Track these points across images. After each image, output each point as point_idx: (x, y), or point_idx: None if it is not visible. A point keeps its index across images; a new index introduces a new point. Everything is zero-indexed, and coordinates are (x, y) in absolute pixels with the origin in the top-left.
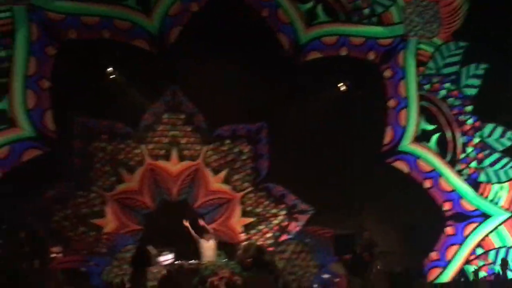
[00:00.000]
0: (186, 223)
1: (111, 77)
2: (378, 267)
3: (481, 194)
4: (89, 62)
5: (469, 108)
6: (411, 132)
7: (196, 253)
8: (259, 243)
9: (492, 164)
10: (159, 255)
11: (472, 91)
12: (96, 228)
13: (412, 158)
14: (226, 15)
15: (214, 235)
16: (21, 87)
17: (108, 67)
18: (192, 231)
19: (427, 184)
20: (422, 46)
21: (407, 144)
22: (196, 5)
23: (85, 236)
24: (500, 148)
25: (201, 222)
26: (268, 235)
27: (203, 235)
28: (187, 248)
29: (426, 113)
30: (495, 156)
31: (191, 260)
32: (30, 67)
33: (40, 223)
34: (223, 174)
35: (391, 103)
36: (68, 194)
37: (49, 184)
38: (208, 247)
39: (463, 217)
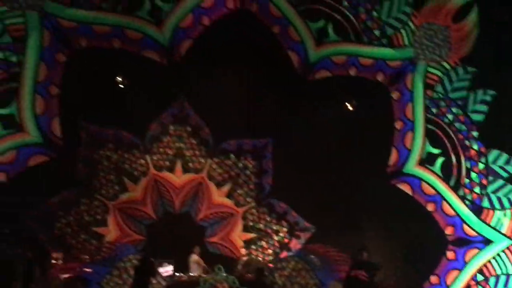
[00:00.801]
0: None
1: (119, 86)
2: None
3: (484, 220)
4: (99, 71)
5: (475, 133)
6: (416, 154)
7: None
8: (259, 259)
9: (496, 191)
10: (159, 266)
11: (478, 117)
12: (97, 237)
13: (416, 181)
14: (237, 30)
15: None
16: (31, 92)
17: (117, 77)
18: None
19: (430, 207)
20: (431, 69)
21: (412, 167)
22: (208, 19)
23: (86, 244)
24: (505, 175)
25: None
26: (269, 251)
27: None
28: (187, 260)
29: (432, 137)
30: (499, 182)
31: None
32: (40, 73)
33: (43, 228)
34: (226, 188)
35: (398, 124)
36: (72, 201)
37: (53, 190)
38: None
39: (465, 242)
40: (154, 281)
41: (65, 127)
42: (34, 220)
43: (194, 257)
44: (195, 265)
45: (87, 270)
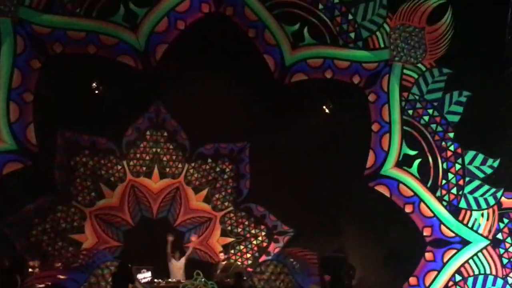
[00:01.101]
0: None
1: (95, 92)
2: None
3: (461, 221)
4: (74, 77)
5: (451, 134)
6: (393, 156)
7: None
8: (238, 263)
9: (473, 191)
10: (138, 272)
11: (454, 118)
12: (74, 244)
13: (394, 183)
14: (213, 34)
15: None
16: (4, 99)
17: (93, 82)
18: (169, 248)
19: (408, 209)
20: (406, 71)
21: (389, 169)
22: (183, 23)
23: (63, 251)
24: (481, 175)
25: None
26: (248, 255)
27: (174, 254)
28: (166, 266)
29: (408, 138)
30: (476, 183)
31: (169, 278)
32: (14, 79)
33: (18, 236)
34: (204, 192)
35: (375, 127)
36: (48, 208)
37: (29, 197)
38: (178, 266)
39: (443, 243)
40: None
41: (40, 133)
42: (10, 227)
43: (176, 263)
44: (179, 271)
45: (65, 277)
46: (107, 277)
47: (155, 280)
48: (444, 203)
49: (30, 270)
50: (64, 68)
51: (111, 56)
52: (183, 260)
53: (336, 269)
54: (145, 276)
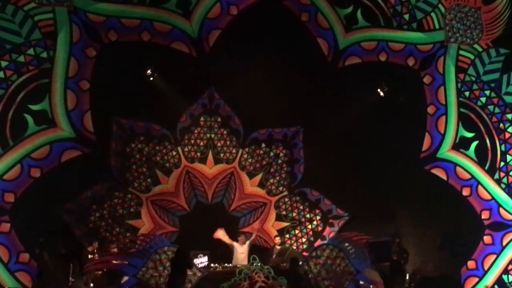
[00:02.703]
0: (221, 231)
1: (150, 79)
2: (418, 276)
3: None
4: (128, 64)
5: (509, 115)
6: (450, 139)
7: (230, 256)
8: (293, 247)
9: None
10: (194, 257)
11: None
12: (131, 229)
13: (451, 166)
14: (266, 19)
15: (248, 237)
16: (62, 88)
17: (147, 69)
18: (227, 237)
19: (466, 192)
20: (462, 52)
21: (446, 151)
22: (236, 8)
23: (121, 236)
24: None
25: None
26: (303, 240)
27: (237, 239)
28: (222, 251)
29: (465, 120)
30: None
31: (225, 263)
32: (71, 68)
33: (77, 223)
34: (258, 177)
35: (430, 109)
36: (105, 194)
37: (86, 184)
38: (241, 251)
39: (502, 226)
40: (189, 273)
41: (97, 121)
42: (69, 214)
43: (240, 247)
44: (242, 255)
45: (122, 262)
46: (165, 262)
47: (212, 265)
48: (503, 186)
49: (88, 255)
50: (119, 56)
51: (165, 43)
52: (246, 245)
53: (386, 254)
54: (201, 261)
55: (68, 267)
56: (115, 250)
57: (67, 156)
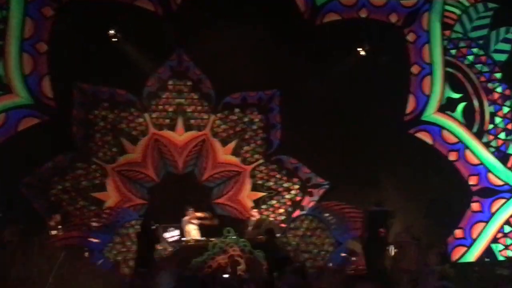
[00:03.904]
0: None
1: (113, 40)
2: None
3: (510, 168)
4: (90, 24)
5: (498, 75)
6: (435, 100)
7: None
8: (270, 219)
9: None
10: (165, 231)
11: (501, 57)
12: (97, 202)
13: (436, 129)
14: None
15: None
16: (17, 50)
17: (110, 30)
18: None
19: (452, 156)
20: (448, 7)
21: (431, 114)
22: None
23: (85, 210)
24: None
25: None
26: (281, 210)
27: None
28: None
29: (451, 80)
30: None
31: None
32: (26, 29)
33: (37, 196)
34: (232, 145)
35: (414, 69)
36: (67, 165)
37: (47, 155)
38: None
39: (491, 192)
40: (160, 247)
41: (56, 86)
42: (28, 187)
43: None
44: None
45: (88, 238)
46: (133, 236)
47: (183, 238)
48: (492, 149)
49: (51, 231)
50: (79, 15)
51: (129, 1)
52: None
53: (379, 223)
54: (172, 234)
55: (29, 244)
56: (79, 224)
57: (25, 125)
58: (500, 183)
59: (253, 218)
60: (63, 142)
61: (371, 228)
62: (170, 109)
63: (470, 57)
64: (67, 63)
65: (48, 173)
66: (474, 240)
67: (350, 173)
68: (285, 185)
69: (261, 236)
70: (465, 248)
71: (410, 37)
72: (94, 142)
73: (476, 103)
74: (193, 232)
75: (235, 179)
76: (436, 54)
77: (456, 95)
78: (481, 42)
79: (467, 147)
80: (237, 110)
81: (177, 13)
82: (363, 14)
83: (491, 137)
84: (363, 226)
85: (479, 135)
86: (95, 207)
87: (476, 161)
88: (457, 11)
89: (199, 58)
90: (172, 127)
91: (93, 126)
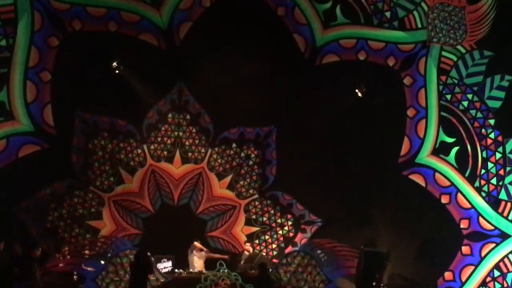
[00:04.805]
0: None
1: (115, 72)
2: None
3: (501, 213)
4: (93, 55)
5: (491, 121)
6: (429, 143)
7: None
8: (263, 253)
9: None
10: (158, 262)
11: (495, 104)
12: (92, 230)
13: (430, 172)
14: (240, 12)
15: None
16: (21, 78)
17: (113, 61)
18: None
19: (444, 199)
20: (445, 53)
21: (425, 157)
22: (209, 0)
23: (80, 238)
24: None
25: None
26: (273, 245)
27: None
28: (187, 256)
29: (446, 125)
30: None
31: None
32: (31, 58)
33: (34, 222)
34: (228, 179)
35: (410, 112)
36: (65, 193)
37: (45, 182)
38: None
39: (481, 236)
40: (152, 278)
41: (58, 115)
42: (25, 213)
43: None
44: (197, 255)
45: (82, 266)
46: (126, 266)
47: (176, 270)
48: (483, 194)
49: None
50: (84, 47)
51: (133, 34)
52: (203, 253)
53: (374, 264)
54: (165, 265)
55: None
56: (74, 252)
57: (25, 151)
58: (491, 227)
59: (246, 252)
60: (62, 170)
61: (365, 268)
62: (169, 142)
63: (465, 103)
64: (70, 92)
65: (46, 199)
66: (463, 283)
67: (343, 211)
68: (279, 221)
69: (252, 271)
70: None
71: (407, 80)
72: (92, 171)
73: (469, 148)
74: (197, 263)
75: (229, 213)
76: (431, 98)
77: (450, 140)
78: (476, 88)
79: (459, 191)
80: (234, 145)
81: (179, 48)
82: (361, 56)
83: (483, 182)
84: (358, 265)
85: (471, 179)
86: (90, 235)
87: (467, 205)
88: (454, 58)
89: (199, 93)
90: (169, 159)
91: (92, 155)
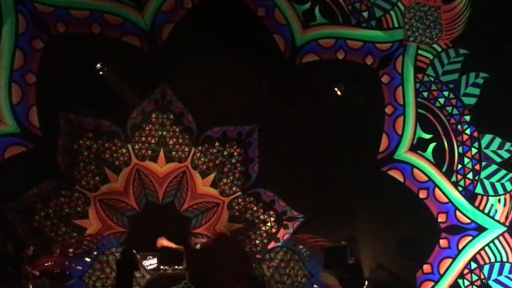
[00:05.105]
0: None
1: (99, 73)
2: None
3: (477, 207)
4: (77, 57)
5: (467, 117)
6: (407, 140)
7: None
8: (246, 249)
9: (489, 176)
10: (143, 259)
11: (471, 100)
12: (78, 229)
13: (408, 167)
14: (221, 13)
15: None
16: (6, 81)
17: (97, 63)
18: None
19: (422, 194)
20: (421, 52)
21: (403, 153)
22: (190, 1)
23: (67, 237)
24: (498, 160)
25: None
26: (256, 242)
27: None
28: (172, 253)
29: (423, 121)
30: (493, 168)
31: (176, 265)
32: (16, 60)
33: (21, 222)
34: (211, 177)
35: (388, 109)
36: (51, 193)
37: (31, 182)
38: None
39: (458, 230)
40: (138, 275)
41: (43, 116)
42: (12, 213)
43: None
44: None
45: (68, 264)
46: (112, 263)
47: (161, 267)
48: (460, 189)
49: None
50: (68, 49)
51: (116, 36)
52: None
53: (342, 258)
54: (151, 262)
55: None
56: (61, 251)
57: (11, 152)
58: (467, 221)
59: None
60: (48, 170)
61: (327, 265)
62: (153, 141)
63: (441, 100)
64: (55, 94)
65: (32, 199)
66: (442, 276)
67: (324, 207)
68: (262, 217)
69: None
70: (432, 283)
71: (385, 79)
72: (78, 171)
73: (446, 143)
74: None
75: (213, 210)
76: (409, 96)
77: (427, 136)
78: (451, 85)
79: (436, 186)
80: (217, 143)
81: (162, 49)
82: (340, 55)
83: (460, 176)
84: (324, 261)
85: (448, 174)
86: (77, 234)
87: (445, 200)
88: (430, 56)
89: (182, 93)
90: (154, 158)
91: (78, 155)
